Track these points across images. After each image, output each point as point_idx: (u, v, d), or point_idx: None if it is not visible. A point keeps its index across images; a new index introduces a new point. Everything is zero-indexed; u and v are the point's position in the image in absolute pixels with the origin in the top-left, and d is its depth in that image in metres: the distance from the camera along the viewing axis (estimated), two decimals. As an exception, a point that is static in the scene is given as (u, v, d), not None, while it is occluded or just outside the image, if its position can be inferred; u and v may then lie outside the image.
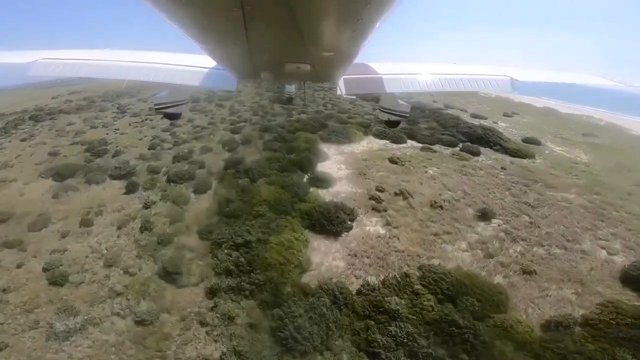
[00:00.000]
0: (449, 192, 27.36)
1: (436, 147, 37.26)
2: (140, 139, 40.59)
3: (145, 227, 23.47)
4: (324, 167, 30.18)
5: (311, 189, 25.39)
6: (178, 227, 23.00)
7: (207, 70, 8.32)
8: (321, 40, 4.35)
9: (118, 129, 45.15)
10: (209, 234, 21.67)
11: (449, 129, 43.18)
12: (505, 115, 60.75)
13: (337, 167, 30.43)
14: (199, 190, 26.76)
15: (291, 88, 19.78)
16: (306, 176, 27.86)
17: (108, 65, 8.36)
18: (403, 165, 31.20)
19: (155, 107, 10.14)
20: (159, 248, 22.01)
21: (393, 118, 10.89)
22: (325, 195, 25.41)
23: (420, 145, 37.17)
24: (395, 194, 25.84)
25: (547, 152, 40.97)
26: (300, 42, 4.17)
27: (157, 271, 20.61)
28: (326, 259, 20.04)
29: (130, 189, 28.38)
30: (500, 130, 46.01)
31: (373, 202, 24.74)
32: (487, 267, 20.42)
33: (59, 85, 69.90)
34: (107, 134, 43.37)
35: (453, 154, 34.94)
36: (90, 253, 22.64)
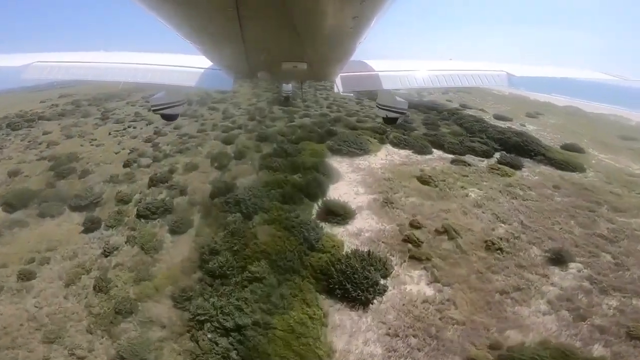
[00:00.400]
0: (503, 226, 21.20)
1: (468, 157, 31.04)
2: (116, 153, 34.32)
3: (101, 287, 17.25)
4: (338, 190, 23.86)
5: (324, 229, 19.02)
6: (145, 289, 16.74)
7: (203, 70, 8.20)
8: (317, 39, 4.24)
9: (95, 139, 39.30)
10: (187, 302, 15.43)
11: (477, 134, 36.94)
12: (528, 115, 54.54)
13: (354, 190, 24.12)
14: (177, 229, 20.46)
15: (288, 87, 18.33)
16: (316, 206, 21.57)
17: (103, 67, 8.25)
18: (436, 186, 24.96)
19: (153, 108, 9.87)
20: (118, 320, 15.83)
21: (391, 115, 10.35)
22: (343, 236, 19.13)
23: (450, 156, 30.93)
24: (437, 231, 19.63)
25: (593, 161, 34.73)
26: (296, 41, 4.12)
27: (114, 357, 14.54)
28: (354, 342, 13.82)
29: (90, 227, 22.10)
30: (533, 134, 39.83)
31: (409, 245, 18.53)
32: (580, 334, 14.43)
33: (54, 87, 66.66)
34: (81, 145, 37.54)
35: (492, 169, 28.70)
36: (26, 320, 16.65)
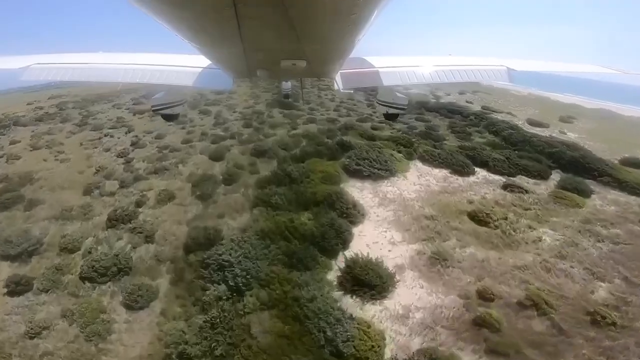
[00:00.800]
0: (603, 285, 14.90)
1: (521, 180, 24.52)
2: (80, 172, 27.61)
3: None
4: (364, 238, 17.19)
5: (352, 310, 12.41)
6: None
7: (201, 70, 8.10)
8: (316, 36, 4.15)
9: (63, 152, 32.99)
10: None
11: (519, 146, 30.45)
12: (561, 120, 48.12)
13: (387, 237, 17.45)
14: (134, 302, 13.92)
15: (287, 85, 16.41)
16: (336, 267, 14.98)
17: (101, 68, 8.17)
18: (497, 227, 18.44)
19: (153, 108, 9.66)
20: None
21: (391, 111, 9.97)
22: (382, 321, 12.53)
23: (498, 178, 24.36)
24: (520, 304, 13.19)
25: (665, 179, 28.38)
26: (294, 38, 3.99)
27: None
28: None
29: (15, 289, 15.51)
30: (584, 146, 33.41)
31: (485, 330, 12.04)
32: None
33: (50, 88, 62.39)
34: (44, 160, 31.36)
35: (556, 197, 22.17)
36: None
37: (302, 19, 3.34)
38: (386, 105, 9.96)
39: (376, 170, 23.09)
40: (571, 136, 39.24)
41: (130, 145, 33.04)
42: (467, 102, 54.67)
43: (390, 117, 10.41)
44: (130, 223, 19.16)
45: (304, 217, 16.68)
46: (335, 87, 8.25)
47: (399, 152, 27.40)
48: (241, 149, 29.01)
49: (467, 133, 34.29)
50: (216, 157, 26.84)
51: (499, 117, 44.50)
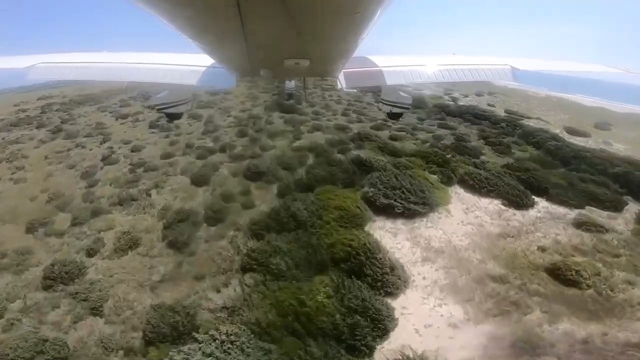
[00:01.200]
0: None
1: (590, 211, 19.02)
2: (32, 199, 22.16)
3: None
4: (409, 318, 11.55)
5: None
6: None
7: (204, 69, 8.00)
8: (319, 35, 4.11)
9: (22, 168, 27.81)
10: None
11: (575, 164, 24.96)
12: (597, 127, 42.59)
13: (442, 312, 11.85)
14: None
15: (291, 84, 15.49)
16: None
17: (105, 67, 8.16)
18: (588, 286, 12.98)
19: (156, 108, 9.49)
20: None
21: (395, 110, 9.84)
22: None
23: (565, 211, 18.84)
24: None
25: None
26: (298, 37, 3.97)
27: None
28: None
29: None
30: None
31: None
32: None
33: (49, 87, 59.17)
34: None
35: (645, 237, 16.76)
36: None
37: (306, 18, 3.32)
38: (390, 105, 9.81)
39: (412, 204, 17.49)
40: (619, 147, 33.81)
41: (101, 160, 27.51)
42: (488, 105, 49.19)
43: (394, 117, 10.33)
44: (74, 283, 13.59)
45: (321, 292, 10.94)
46: (339, 86, 8.24)
47: (431, 171, 21.87)
48: (232, 168, 23.32)
49: (504, 145, 28.76)
50: (200, 181, 21.17)
51: (531, 123, 39.01)
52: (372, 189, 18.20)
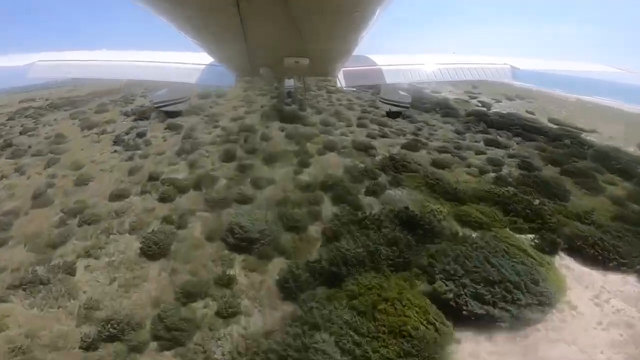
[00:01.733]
0: None
1: None
2: None
3: None
4: None
5: None
6: None
7: (204, 67, 7.96)
8: (319, 34, 4.16)
9: None
10: None
11: None
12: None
13: None
14: None
15: (290, 82, 14.52)
16: None
17: (104, 65, 7.99)
18: None
19: (155, 105, 9.56)
20: None
21: (394, 109, 9.78)
22: None
23: None
24: None
25: None
26: (297, 36, 4.00)
27: None
28: None
29: None
30: None
31: None
32: None
33: (50, 87, 55.16)
34: None
35: None
36: None
37: (306, 17, 3.24)
38: (389, 103, 9.42)
39: (524, 309, 9.66)
40: None
41: (31, 199, 19.38)
42: (527, 112, 41.40)
43: (393, 115, 9.97)
44: None
45: None
46: (338, 84, 8.13)
47: (514, 229, 14.07)
48: (208, 224, 15.17)
49: (587, 175, 20.90)
50: (155, 251, 13.05)
51: (593, 138, 31.29)
52: (450, 285, 10.21)
